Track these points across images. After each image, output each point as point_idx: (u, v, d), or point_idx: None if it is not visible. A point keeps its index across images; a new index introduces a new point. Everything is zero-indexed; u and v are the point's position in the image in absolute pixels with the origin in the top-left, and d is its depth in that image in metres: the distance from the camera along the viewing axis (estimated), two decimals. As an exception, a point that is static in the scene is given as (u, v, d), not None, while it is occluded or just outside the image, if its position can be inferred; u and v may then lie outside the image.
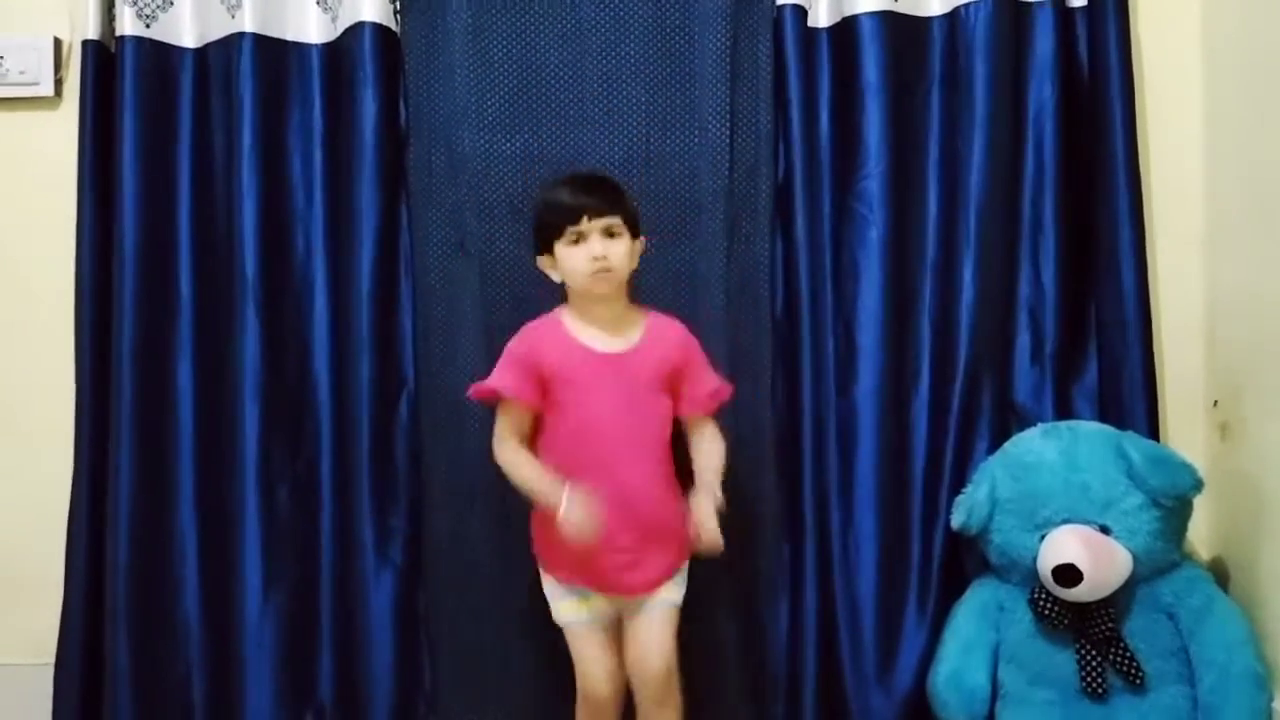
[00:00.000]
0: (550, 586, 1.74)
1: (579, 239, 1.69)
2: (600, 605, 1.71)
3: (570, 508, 1.61)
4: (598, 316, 1.73)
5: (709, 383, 1.76)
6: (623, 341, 1.73)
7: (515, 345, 1.75)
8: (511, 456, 1.72)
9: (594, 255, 1.68)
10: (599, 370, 1.70)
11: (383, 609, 1.94)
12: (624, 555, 1.67)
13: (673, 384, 1.74)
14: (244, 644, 1.93)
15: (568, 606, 1.72)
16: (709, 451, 1.74)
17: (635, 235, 1.73)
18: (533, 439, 1.74)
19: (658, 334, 1.75)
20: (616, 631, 1.72)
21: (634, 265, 1.73)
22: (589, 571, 1.68)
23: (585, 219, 1.68)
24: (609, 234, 1.69)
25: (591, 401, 1.69)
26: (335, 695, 1.97)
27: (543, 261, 1.75)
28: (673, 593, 1.71)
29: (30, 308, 2.08)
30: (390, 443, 1.97)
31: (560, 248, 1.70)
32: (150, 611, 1.94)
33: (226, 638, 1.95)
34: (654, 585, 1.69)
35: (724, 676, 1.87)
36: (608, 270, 1.68)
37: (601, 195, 1.71)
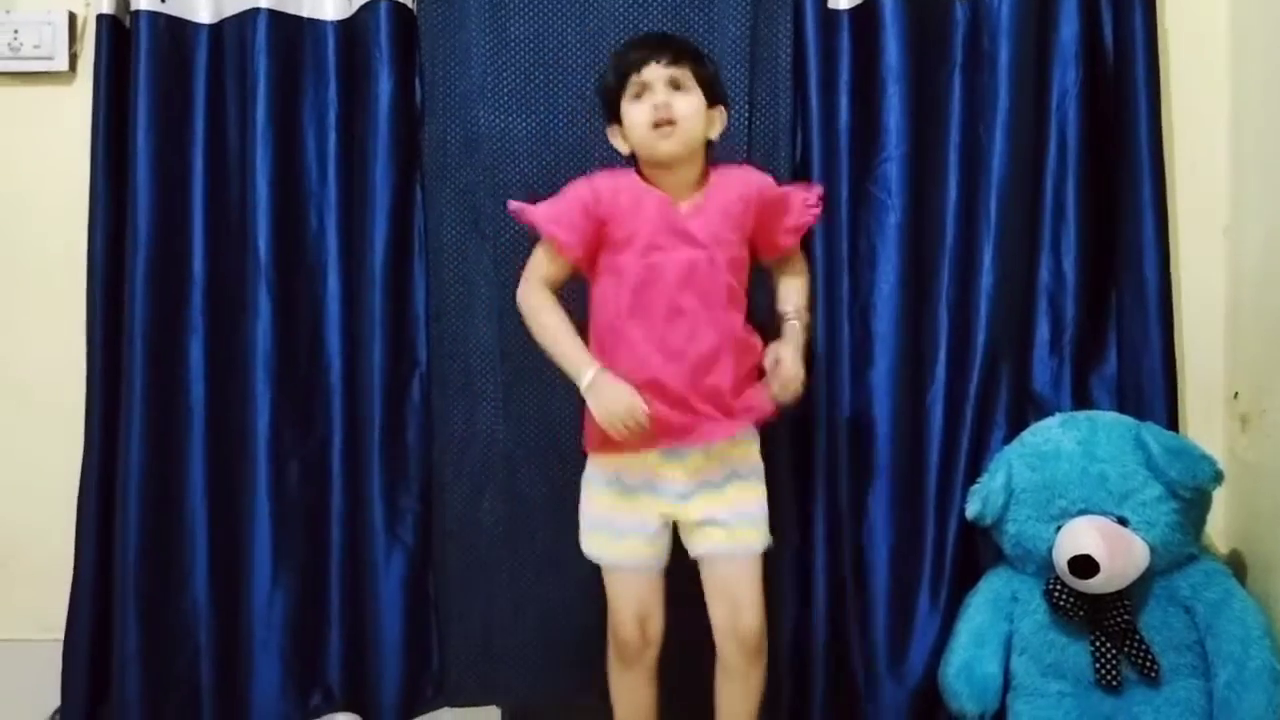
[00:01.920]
0: (587, 504, 1.65)
1: (642, 91, 1.56)
2: (637, 549, 1.61)
3: (597, 386, 1.53)
4: (669, 185, 1.61)
5: (787, 215, 1.64)
6: (688, 204, 1.62)
7: (579, 186, 1.62)
8: (538, 303, 1.61)
9: (656, 104, 1.54)
10: (668, 225, 1.58)
11: (392, 590, 1.94)
12: (681, 415, 1.56)
13: (746, 229, 1.63)
14: (253, 624, 1.94)
15: (602, 543, 1.64)
16: (788, 291, 1.66)
17: (713, 102, 1.61)
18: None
19: (722, 183, 1.64)
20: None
21: (711, 134, 1.62)
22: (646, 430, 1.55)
23: (650, 66, 1.55)
24: (675, 86, 1.56)
25: (655, 258, 1.57)
26: (343, 676, 1.98)
27: (611, 132, 1.63)
28: (756, 538, 1.63)
29: (43, 285, 2.07)
30: (402, 423, 1.96)
31: (625, 106, 1.58)
32: (159, 591, 1.94)
33: (235, 618, 1.95)
34: (719, 435, 1.58)
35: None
36: (671, 122, 1.54)
37: (671, 46, 1.58)
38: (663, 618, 1.66)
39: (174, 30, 1.96)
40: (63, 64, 2.04)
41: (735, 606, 1.63)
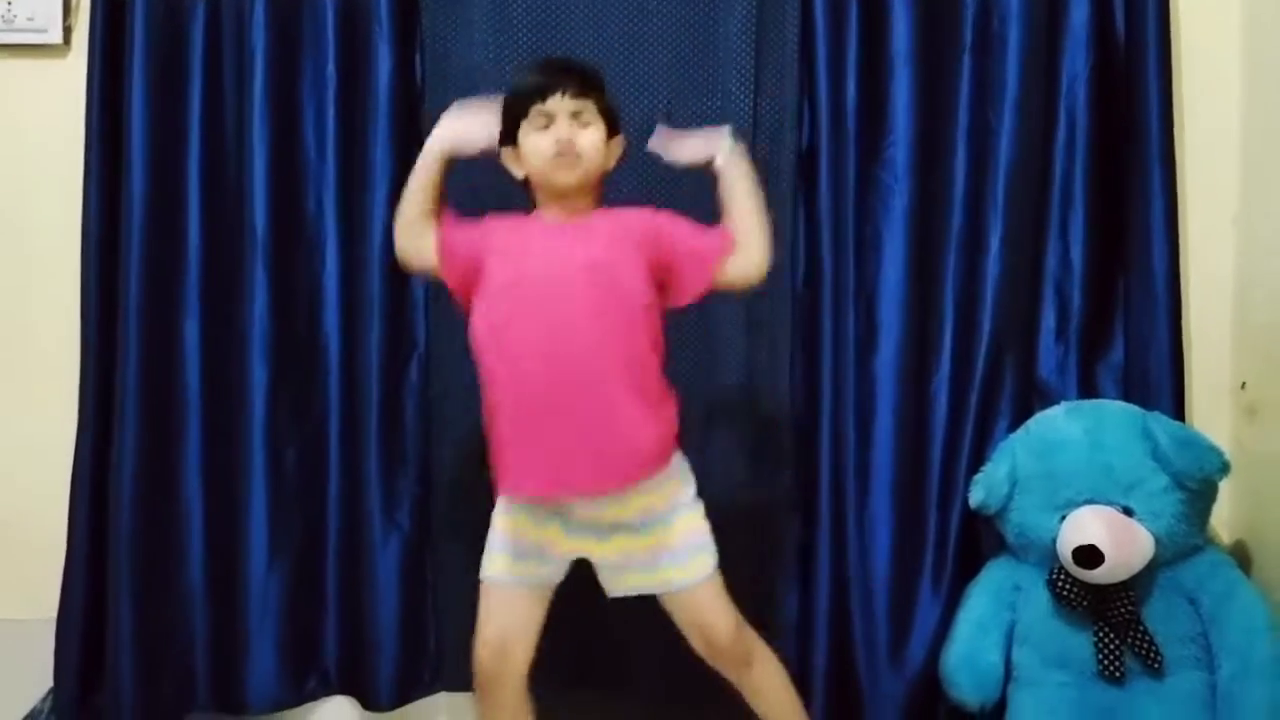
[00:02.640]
0: (495, 530, 1.62)
1: (547, 123, 1.55)
2: (531, 570, 1.59)
3: (453, 121, 1.55)
4: (553, 204, 1.59)
5: (683, 276, 1.57)
6: (576, 223, 1.59)
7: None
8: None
9: (559, 138, 1.53)
10: (545, 235, 1.56)
11: (389, 574, 1.93)
12: (558, 439, 1.50)
13: (646, 259, 1.55)
14: (248, 607, 1.92)
15: (495, 562, 1.60)
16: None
17: (613, 133, 1.60)
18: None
19: (613, 220, 1.59)
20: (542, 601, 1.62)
21: (608, 166, 1.60)
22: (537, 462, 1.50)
23: (555, 97, 1.54)
24: (579, 120, 1.56)
25: (530, 259, 1.54)
26: (340, 660, 1.97)
27: (506, 155, 1.60)
28: (691, 574, 1.58)
29: (36, 262, 2.04)
30: (400, 406, 1.94)
31: (525, 134, 1.56)
32: (154, 572, 1.92)
33: (231, 600, 1.94)
34: (600, 489, 1.52)
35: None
36: (575, 154, 1.54)
37: (576, 76, 1.57)
38: (531, 645, 1.61)
39: (170, 4, 1.93)
40: (57, 37, 2.01)
41: (704, 632, 1.60)
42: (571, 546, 1.60)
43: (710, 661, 1.62)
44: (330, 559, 1.95)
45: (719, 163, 1.59)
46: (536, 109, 1.55)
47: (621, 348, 1.53)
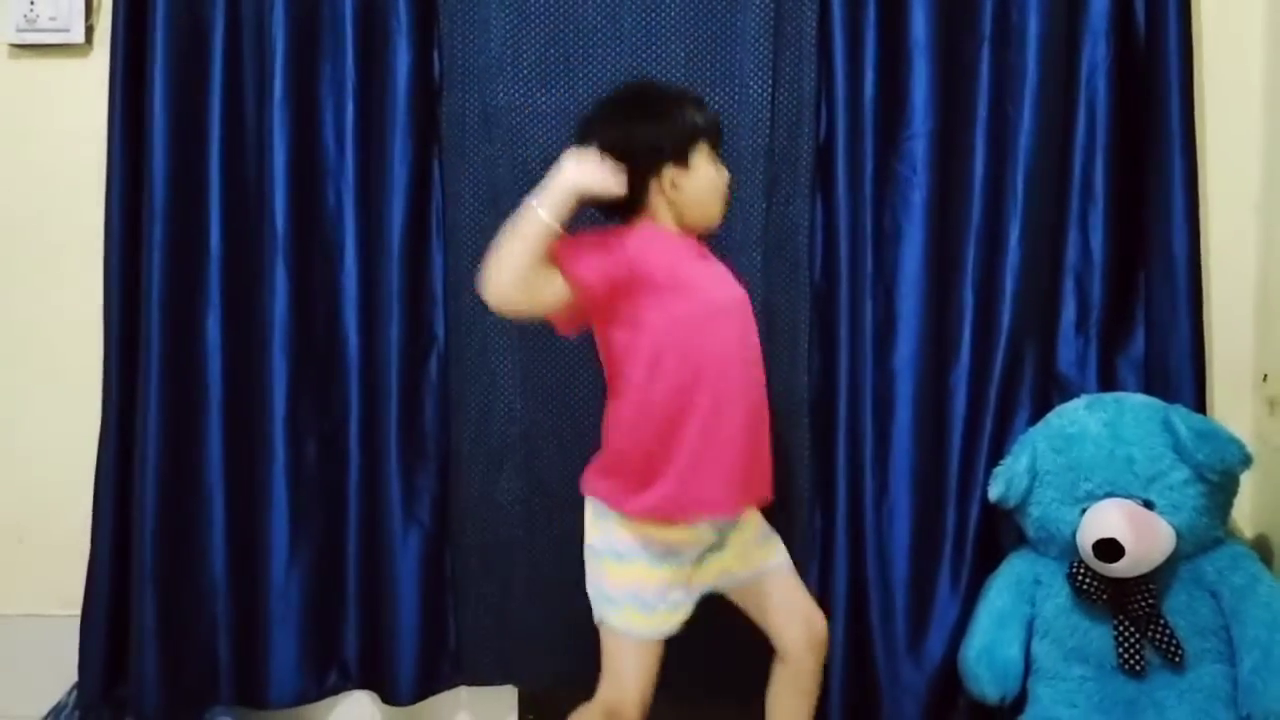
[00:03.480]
0: (606, 581, 1.57)
1: (712, 156, 1.59)
2: (665, 621, 1.56)
3: (577, 164, 1.50)
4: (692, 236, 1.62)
5: None
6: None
7: (609, 238, 1.56)
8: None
9: (728, 179, 1.61)
10: (700, 260, 1.60)
11: (409, 569, 1.94)
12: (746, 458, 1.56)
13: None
14: (270, 601, 1.94)
15: (626, 616, 1.55)
16: None
17: None
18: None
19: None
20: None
21: None
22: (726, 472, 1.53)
23: (716, 137, 1.60)
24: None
25: (703, 284, 1.57)
26: (360, 655, 1.98)
27: (670, 173, 1.55)
28: (780, 549, 1.68)
29: (60, 259, 2.06)
30: (419, 401, 1.95)
31: (697, 160, 1.57)
32: (177, 568, 1.94)
33: (252, 595, 1.95)
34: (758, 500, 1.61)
35: (751, 647, 1.84)
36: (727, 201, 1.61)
37: (714, 117, 1.62)
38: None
39: (191, 3, 1.94)
40: (79, 36, 2.02)
41: (807, 619, 1.66)
42: (701, 578, 1.61)
43: (802, 656, 1.65)
44: (351, 554, 1.96)
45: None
46: (704, 142, 1.57)
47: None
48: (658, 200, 1.57)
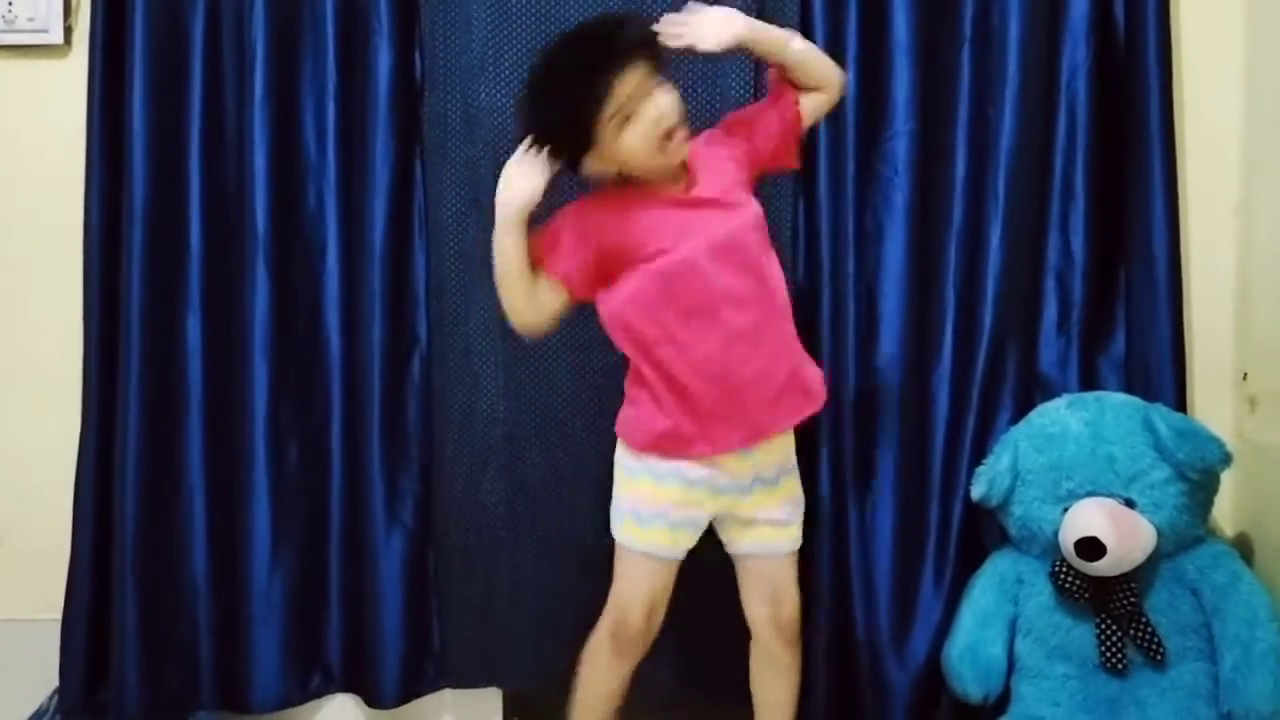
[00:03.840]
0: (636, 498, 1.59)
1: (630, 112, 1.43)
2: (683, 540, 1.59)
3: (503, 184, 1.48)
4: (655, 182, 1.54)
5: (769, 116, 1.58)
6: (681, 186, 1.54)
7: (559, 220, 1.54)
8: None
9: (659, 116, 1.43)
10: (666, 219, 1.52)
11: (392, 571, 1.93)
12: (758, 388, 1.54)
13: (748, 175, 1.57)
14: (252, 604, 1.93)
15: (651, 534, 1.58)
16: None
17: (667, 71, 1.49)
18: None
19: (698, 155, 1.55)
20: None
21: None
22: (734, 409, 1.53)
23: (620, 83, 1.41)
24: (650, 89, 1.45)
25: (674, 242, 1.51)
26: (343, 657, 1.97)
27: (589, 163, 1.50)
28: (797, 534, 1.66)
29: (38, 262, 2.04)
30: (401, 402, 1.94)
31: (611, 137, 1.44)
32: (157, 570, 1.93)
33: (234, 598, 1.94)
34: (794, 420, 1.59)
35: (735, 645, 1.85)
36: (677, 128, 1.46)
37: (623, 40, 1.43)
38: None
39: (170, 3, 1.92)
40: (57, 37, 2.01)
41: (777, 601, 1.65)
42: (717, 506, 1.61)
43: (768, 636, 1.66)
44: (333, 556, 1.95)
45: (796, 48, 1.56)
46: (609, 110, 1.43)
47: (772, 293, 1.56)
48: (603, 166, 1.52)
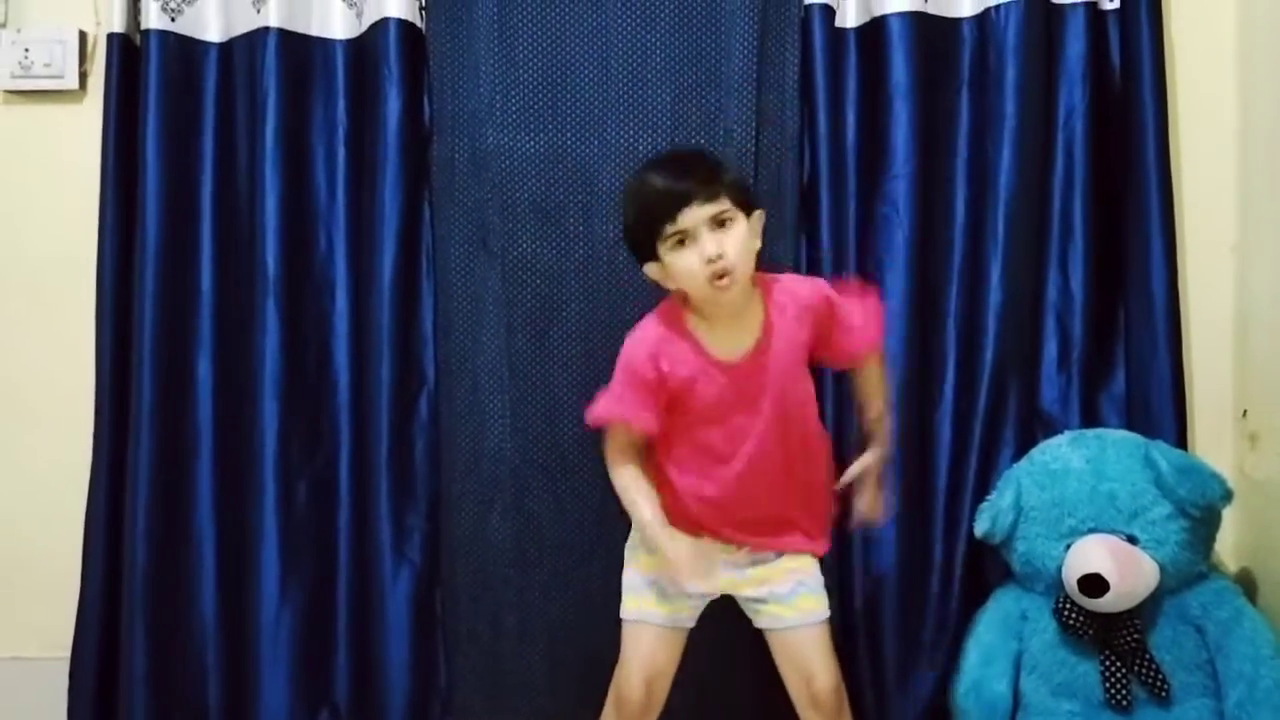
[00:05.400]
0: (633, 571, 1.63)
1: (684, 239, 1.47)
2: (681, 610, 1.61)
3: (678, 552, 1.50)
4: (720, 316, 1.54)
5: (852, 334, 1.60)
6: (748, 337, 1.55)
7: (634, 357, 1.55)
8: (628, 483, 1.56)
9: (708, 256, 1.45)
10: (726, 384, 1.54)
11: (400, 608, 1.93)
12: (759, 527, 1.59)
13: (809, 342, 1.58)
14: (260, 642, 1.93)
15: (642, 601, 1.60)
16: (868, 387, 1.65)
17: (749, 211, 1.51)
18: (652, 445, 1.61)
19: (780, 313, 1.56)
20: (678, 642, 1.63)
21: (758, 245, 1.53)
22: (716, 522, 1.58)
23: (687, 210, 1.45)
24: (718, 224, 1.47)
25: (722, 421, 1.55)
26: (351, 694, 1.97)
27: (650, 270, 1.54)
28: (817, 605, 1.62)
29: (51, 302, 2.07)
30: (409, 441, 1.96)
31: (665, 253, 1.49)
32: (167, 609, 1.93)
33: (242, 635, 1.94)
34: (786, 548, 1.61)
35: (737, 683, 1.85)
36: (728, 271, 1.46)
37: (698, 177, 1.47)
38: (671, 681, 1.63)
39: (184, 49, 1.97)
40: (73, 82, 2.05)
41: (807, 674, 1.60)
42: (712, 584, 1.60)
43: (805, 710, 1.61)
44: (341, 593, 1.96)
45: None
46: (669, 228, 1.47)
47: (805, 467, 1.62)
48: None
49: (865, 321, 1.62)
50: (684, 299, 1.56)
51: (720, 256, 1.46)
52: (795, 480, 1.61)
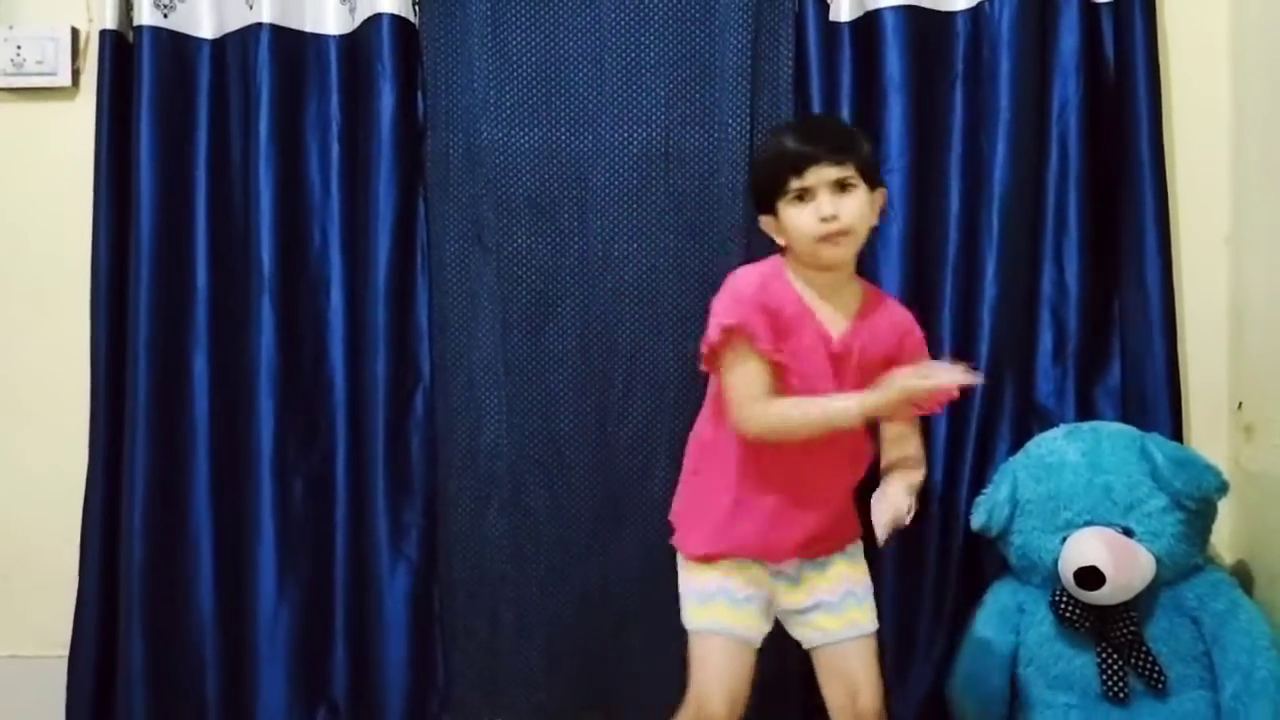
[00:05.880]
0: (697, 581, 1.56)
1: (804, 194, 1.49)
2: (751, 621, 1.54)
3: (869, 401, 1.43)
4: (819, 284, 1.53)
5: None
6: (842, 318, 1.53)
7: (744, 285, 1.51)
8: (785, 409, 1.48)
9: (823, 215, 1.47)
10: (816, 348, 1.51)
11: (397, 605, 1.94)
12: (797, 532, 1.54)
13: (887, 363, 1.52)
14: (257, 639, 1.94)
15: (715, 612, 1.53)
16: (907, 450, 1.58)
17: (873, 186, 1.53)
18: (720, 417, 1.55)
19: (874, 311, 1.56)
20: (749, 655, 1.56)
21: (874, 222, 1.55)
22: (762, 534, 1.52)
23: (814, 168, 1.47)
24: (840, 187, 1.49)
25: (813, 389, 1.49)
26: (349, 692, 1.97)
27: (765, 223, 1.55)
28: (866, 618, 1.59)
29: (46, 300, 2.07)
30: (405, 438, 1.96)
31: (784, 207, 1.50)
32: (164, 606, 1.94)
33: (240, 633, 1.95)
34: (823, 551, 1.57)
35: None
36: (842, 233, 1.48)
37: (830, 141, 1.50)
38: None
39: (177, 45, 1.97)
40: (65, 79, 2.05)
41: (853, 689, 1.56)
42: (771, 586, 1.58)
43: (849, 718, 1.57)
44: (338, 590, 1.96)
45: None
46: (794, 182, 1.49)
47: (856, 464, 1.59)
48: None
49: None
50: (788, 259, 1.55)
51: (835, 217, 1.47)
52: (848, 477, 1.59)
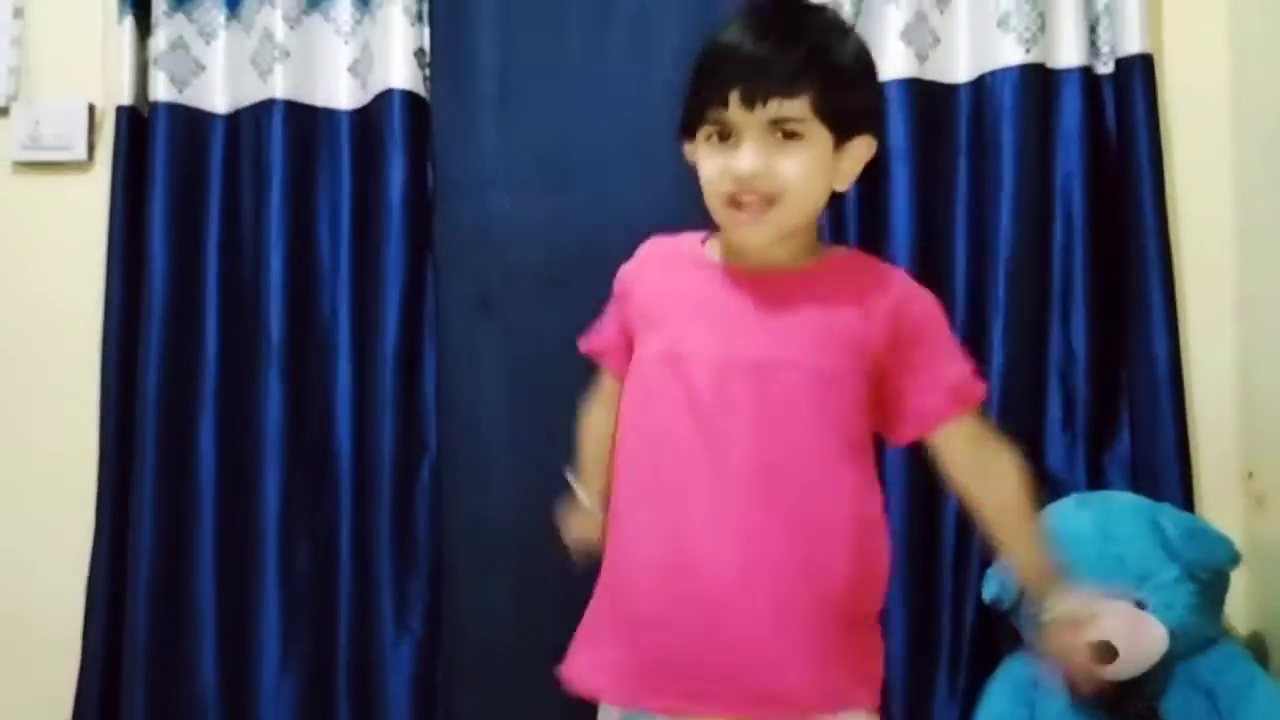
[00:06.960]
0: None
1: (725, 134, 1.03)
2: None
3: (580, 506, 1.13)
4: (741, 253, 1.11)
5: (948, 368, 1.09)
6: (781, 278, 1.07)
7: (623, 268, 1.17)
8: (582, 419, 1.20)
9: (735, 172, 1.02)
10: (716, 309, 1.05)
11: (400, 679, 1.92)
12: (682, 679, 1.05)
13: (875, 370, 1.07)
14: (260, 713, 1.92)
15: None
16: (998, 488, 1.08)
17: (842, 134, 1.05)
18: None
19: (842, 267, 1.09)
20: None
21: (839, 187, 1.08)
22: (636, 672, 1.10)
23: (737, 98, 1.00)
24: (782, 133, 1.02)
25: (686, 333, 1.05)
26: (351, 765, 1.95)
27: (687, 150, 1.11)
28: None
29: (57, 368, 2.09)
30: (411, 509, 1.95)
31: (700, 142, 1.06)
32: (168, 674, 1.92)
33: (243, 706, 1.93)
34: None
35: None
36: (765, 199, 1.01)
37: (781, 52, 1.00)
38: None
39: (191, 121, 2.00)
40: (81, 153, 2.08)
41: None
42: None
43: None
44: (342, 662, 1.94)
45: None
46: (711, 115, 1.04)
47: (814, 495, 1.07)
48: None
49: (957, 378, 1.11)
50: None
51: (753, 176, 1.01)
52: (791, 565, 1.04)
